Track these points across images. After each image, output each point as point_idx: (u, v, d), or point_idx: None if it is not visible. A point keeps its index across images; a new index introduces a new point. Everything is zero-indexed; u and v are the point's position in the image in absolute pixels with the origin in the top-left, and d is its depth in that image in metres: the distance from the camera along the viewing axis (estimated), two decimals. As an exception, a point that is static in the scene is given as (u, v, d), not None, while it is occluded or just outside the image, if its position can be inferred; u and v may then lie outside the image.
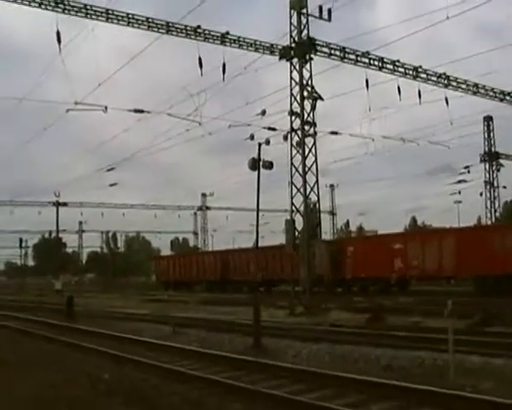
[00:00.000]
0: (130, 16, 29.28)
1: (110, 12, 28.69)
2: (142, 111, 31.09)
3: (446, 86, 33.87)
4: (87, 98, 29.50)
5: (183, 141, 38.70)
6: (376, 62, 31.10)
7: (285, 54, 29.06)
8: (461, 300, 22.98)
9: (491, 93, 37.03)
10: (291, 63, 28.80)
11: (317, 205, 29.73)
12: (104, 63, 34.99)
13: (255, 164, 17.39)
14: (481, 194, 52.77)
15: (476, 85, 35.82)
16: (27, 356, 14.20)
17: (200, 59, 28.50)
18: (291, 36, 28.68)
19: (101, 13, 28.55)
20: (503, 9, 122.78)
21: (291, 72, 28.81)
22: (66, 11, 27.83)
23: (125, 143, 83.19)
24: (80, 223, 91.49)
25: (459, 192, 56.08)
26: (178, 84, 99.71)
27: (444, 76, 33.61)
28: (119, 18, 29.09)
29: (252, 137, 21.87)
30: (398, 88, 30.98)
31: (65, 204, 71.37)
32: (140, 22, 29.49)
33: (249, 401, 9.18)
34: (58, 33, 26.51)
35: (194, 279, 57.07)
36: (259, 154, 17.52)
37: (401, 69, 31.87)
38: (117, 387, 10.28)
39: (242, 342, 15.81)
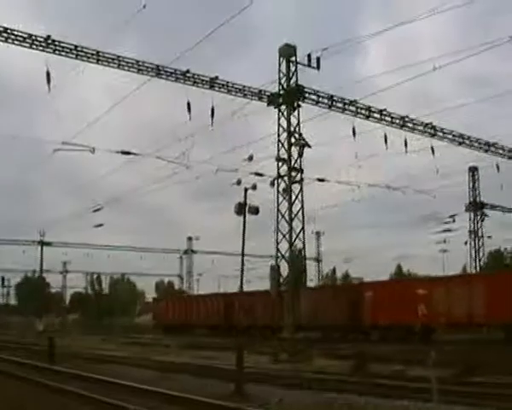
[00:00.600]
0: (120, 59, 29.64)
1: (100, 54, 29.02)
2: (129, 153, 31.18)
3: (432, 136, 34.42)
4: (75, 138, 29.56)
5: (171, 184, 38.78)
6: (364, 111, 31.61)
7: (273, 100, 29.50)
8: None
9: (476, 144, 37.61)
10: (279, 110, 29.20)
11: (303, 251, 29.79)
12: (93, 104, 35.23)
13: (241, 209, 17.46)
14: (466, 243, 53.08)
15: (461, 136, 36.41)
16: (4, 398, 13.93)
17: (188, 103, 28.79)
18: (280, 83, 29.13)
19: (92, 55, 28.86)
20: (488, 62, 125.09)
21: (279, 118, 29.27)
22: (57, 51, 28.08)
23: (113, 184, 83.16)
24: (64, 263, 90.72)
25: (444, 241, 56.30)
26: (167, 128, 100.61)
27: (430, 126, 34.16)
28: (110, 60, 29.42)
29: (239, 182, 21.99)
30: (385, 136, 31.34)
31: (49, 243, 70.83)
32: (130, 65, 29.84)
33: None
34: (48, 73, 26.69)
35: (195, 323, 53.92)
36: (245, 199, 17.60)
37: (388, 118, 32.39)
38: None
39: (224, 388, 15.59)
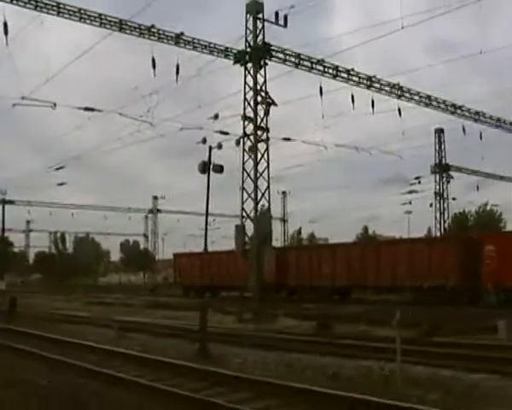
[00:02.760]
0: (82, 11, 28.67)
1: (61, 6, 28.00)
2: (92, 109, 30.36)
3: (399, 97, 34.28)
4: (35, 93, 28.68)
5: (135, 142, 38.12)
6: (331, 70, 31.22)
7: (240, 58, 28.94)
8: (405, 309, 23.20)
9: (443, 106, 37.65)
10: (245, 68, 28.68)
11: (268, 211, 29.64)
12: (56, 59, 34.21)
13: (205, 167, 17.14)
14: (431, 205, 53.63)
15: (428, 97, 36.39)
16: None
17: (153, 59, 28.09)
18: (246, 40, 28.58)
19: (52, 6, 27.83)
20: (457, 24, 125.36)
21: (245, 76, 28.71)
22: (15, 1, 26.96)
23: (75, 141, 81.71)
24: (28, 222, 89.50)
25: (410, 202, 56.78)
26: (131, 84, 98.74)
27: (397, 87, 33.99)
28: (71, 13, 28.43)
29: (204, 141, 21.63)
30: (352, 97, 31.11)
31: (12, 202, 69.61)
32: (92, 18, 28.90)
33: (192, 408, 8.90)
34: (5, 24, 25.63)
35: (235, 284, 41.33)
36: (210, 157, 17.29)
37: (355, 78, 32.08)
38: (53, 392, 9.87)
39: (188, 349, 15.48)
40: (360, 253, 36.20)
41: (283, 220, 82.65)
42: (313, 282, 37.11)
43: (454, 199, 54.06)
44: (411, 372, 10.86)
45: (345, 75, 31.73)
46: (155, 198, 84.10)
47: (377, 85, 32.99)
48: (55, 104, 29.03)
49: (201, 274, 42.16)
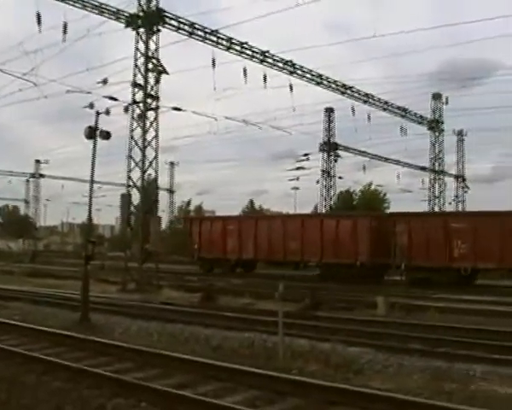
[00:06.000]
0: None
1: None
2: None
3: (291, 73, 34.68)
4: None
5: (17, 101, 36.34)
6: (224, 42, 31.00)
7: (132, 22, 28.06)
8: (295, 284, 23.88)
9: (334, 85, 38.52)
10: (137, 32, 27.92)
11: (155, 181, 29.27)
12: None
13: (92, 133, 16.60)
14: (318, 182, 55.05)
15: (320, 76, 37.06)
16: None
17: (38, 14, 26.71)
18: (139, 4, 27.79)
19: None
20: (354, 6, 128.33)
21: (137, 42, 27.95)
22: None
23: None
24: None
25: (297, 179, 57.81)
26: (15, 39, 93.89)
27: (290, 63, 34.33)
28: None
29: (91, 106, 20.89)
30: (244, 70, 31.14)
31: None
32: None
33: (70, 378, 8.70)
34: None
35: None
36: (97, 123, 16.76)
37: (248, 52, 32.05)
38: None
39: (69, 318, 15.11)
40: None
41: (170, 191, 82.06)
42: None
43: (340, 178, 55.77)
44: (293, 345, 11.14)
45: (238, 48, 31.63)
46: (38, 162, 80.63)
47: (270, 61, 33.17)
48: None
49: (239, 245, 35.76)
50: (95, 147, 16.54)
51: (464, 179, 58.18)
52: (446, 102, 49.43)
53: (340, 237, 31.58)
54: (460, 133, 57.02)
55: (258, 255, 35.97)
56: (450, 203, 54.81)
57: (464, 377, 9.09)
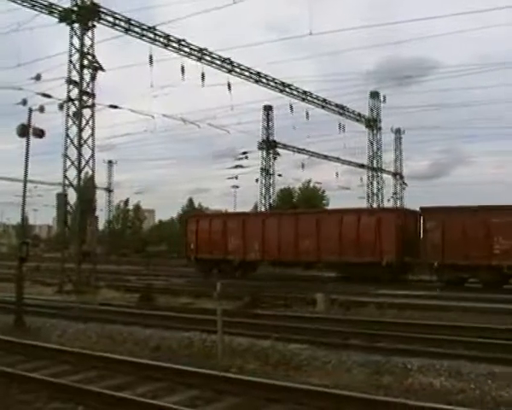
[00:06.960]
0: None
1: None
2: None
3: (230, 71, 34.60)
4: None
5: None
6: (162, 39, 30.65)
7: (65, 17, 27.38)
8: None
9: (272, 83, 38.68)
10: (72, 28, 27.30)
11: (92, 180, 28.76)
12: None
13: (24, 131, 16.16)
14: (257, 180, 55.14)
15: (258, 74, 37.14)
16: None
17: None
18: (74, -2, 27.15)
19: None
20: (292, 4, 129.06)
21: (71, 37, 27.31)
22: None
23: None
24: None
25: (236, 177, 57.72)
26: None
27: (228, 61, 34.25)
28: None
29: (24, 103, 20.42)
30: (182, 68, 30.88)
31: None
32: None
33: (4, 384, 8.44)
34: None
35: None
36: (29, 120, 16.33)
37: (186, 49, 31.80)
38: None
39: (2, 321, 14.67)
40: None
41: (108, 190, 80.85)
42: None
43: (280, 175, 55.99)
44: (232, 343, 11.15)
45: (176, 45, 31.34)
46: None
47: (208, 58, 33.01)
48: None
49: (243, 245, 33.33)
50: (28, 145, 16.11)
51: (402, 177, 59.44)
52: (384, 101, 50.54)
53: (361, 235, 29.46)
54: (398, 131, 58.14)
55: (266, 256, 33.05)
56: (388, 200, 55.89)
57: (402, 371, 9.24)
